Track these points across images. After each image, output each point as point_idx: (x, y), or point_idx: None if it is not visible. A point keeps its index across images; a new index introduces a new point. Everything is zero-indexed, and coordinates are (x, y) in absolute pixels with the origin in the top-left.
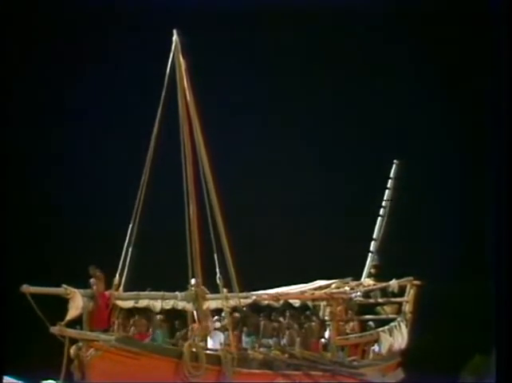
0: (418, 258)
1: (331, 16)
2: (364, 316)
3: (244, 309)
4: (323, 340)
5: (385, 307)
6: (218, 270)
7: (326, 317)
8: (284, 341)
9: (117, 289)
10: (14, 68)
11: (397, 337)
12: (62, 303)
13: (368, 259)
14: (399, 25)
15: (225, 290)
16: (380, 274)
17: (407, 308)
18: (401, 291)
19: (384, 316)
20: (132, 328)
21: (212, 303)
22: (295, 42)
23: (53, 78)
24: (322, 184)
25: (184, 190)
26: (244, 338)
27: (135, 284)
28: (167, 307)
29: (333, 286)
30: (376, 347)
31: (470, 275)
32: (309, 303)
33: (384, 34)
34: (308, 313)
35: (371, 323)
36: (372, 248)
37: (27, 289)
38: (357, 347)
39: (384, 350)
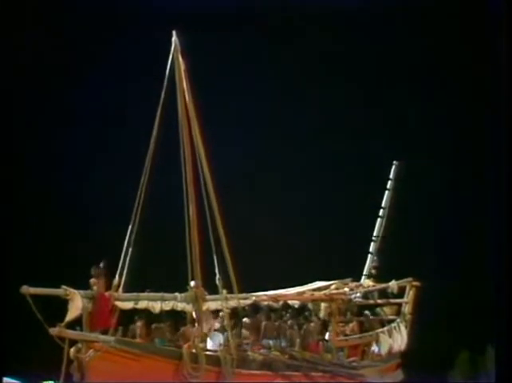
0: (417, 259)
1: (330, 16)
2: (363, 317)
3: (245, 309)
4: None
5: (384, 308)
6: (217, 271)
7: (325, 318)
8: (284, 342)
9: (117, 290)
10: (13, 68)
11: (396, 339)
12: (63, 304)
13: (368, 260)
14: (399, 25)
15: (224, 291)
16: (379, 275)
17: (406, 309)
18: (401, 292)
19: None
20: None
21: (212, 304)
22: (295, 42)
23: (53, 79)
24: (322, 185)
25: (184, 190)
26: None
27: (134, 285)
28: (167, 308)
29: (333, 287)
30: (375, 348)
31: (470, 275)
32: (309, 304)
33: (384, 34)
34: (306, 314)
35: (367, 312)
36: (371, 249)
37: (27, 290)
38: (357, 348)
39: (383, 351)
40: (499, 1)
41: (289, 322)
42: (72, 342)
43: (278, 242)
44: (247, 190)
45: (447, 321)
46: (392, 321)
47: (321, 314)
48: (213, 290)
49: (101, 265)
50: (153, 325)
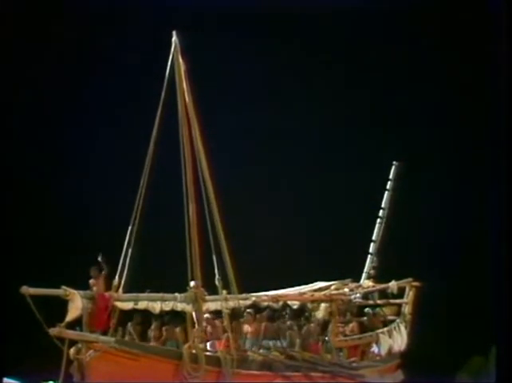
0: (417, 260)
1: (331, 16)
2: (363, 317)
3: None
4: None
5: (384, 309)
6: (216, 271)
7: (325, 319)
8: (284, 343)
9: (117, 290)
10: (13, 68)
11: (396, 339)
12: (63, 304)
13: (368, 261)
14: (398, 25)
15: (224, 291)
16: (379, 276)
17: (406, 309)
18: (400, 293)
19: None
20: None
21: (211, 305)
22: (295, 42)
23: (52, 80)
24: (322, 186)
25: (184, 191)
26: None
27: (134, 285)
28: (167, 309)
29: (333, 287)
30: (375, 348)
31: (470, 275)
32: (309, 305)
33: (384, 34)
34: (307, 314)
35: (369, 310)
36: (371, 250)
37: (27, 290)
38: (357, 348)
39: (383, 352)
40: (499, 2)
41: (288, 323)
42: (72, 342)
43: (278, 243)
44: (247, 190)
45: (447, 321)
46: (392, 321)
47: (321, 315)
48: (214, 290)
49: (100, 260)
50: (164, 328)
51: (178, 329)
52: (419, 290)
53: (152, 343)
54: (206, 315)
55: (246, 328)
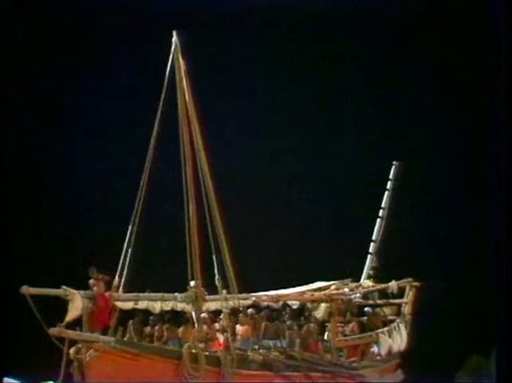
0: (417, 260)
1: (330, 15)
2: (363, 317)
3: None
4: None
5: (384, 308)
6: (216, 271)
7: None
8: (284, 343)
9: (117, 290)
10: (13, 68)
11: (396, 339)
12: (63, 304)
13: (368, 261)
14: (399, 25)
15: (224, 291)
16: (378, 276)
17: (406, 309)
18: (400, 292)
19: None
20: None
21: (212, 304)
22: (295, 42)
23: (52, 80)
24: (321, 185)
25: (184, 191)
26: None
27: (134, 285)
28: (167, 308)
29: (333, 287)
30: (375, 348)
31: (470, 275)
32: (308, 304)
33: (384, 35)
34: (307, 314)
35: (368, 309)
36: (371, 249)
37: (27, 290)
38: (356, 348)
39: (383, 352)
40: (499, 2)
41: (288, 323)
42: (72, 342)
43: (278, 242)
44: (247, 190)
45: (447, 321)
46: (392, 321)
47: (321, 315)
48: (214, 290)
49: (95, 275)
50: (164, 327)
51: (181, 329)
52: (419, 290)
53: (155, 343)
54: (203, 314)
55: (238, 329)
